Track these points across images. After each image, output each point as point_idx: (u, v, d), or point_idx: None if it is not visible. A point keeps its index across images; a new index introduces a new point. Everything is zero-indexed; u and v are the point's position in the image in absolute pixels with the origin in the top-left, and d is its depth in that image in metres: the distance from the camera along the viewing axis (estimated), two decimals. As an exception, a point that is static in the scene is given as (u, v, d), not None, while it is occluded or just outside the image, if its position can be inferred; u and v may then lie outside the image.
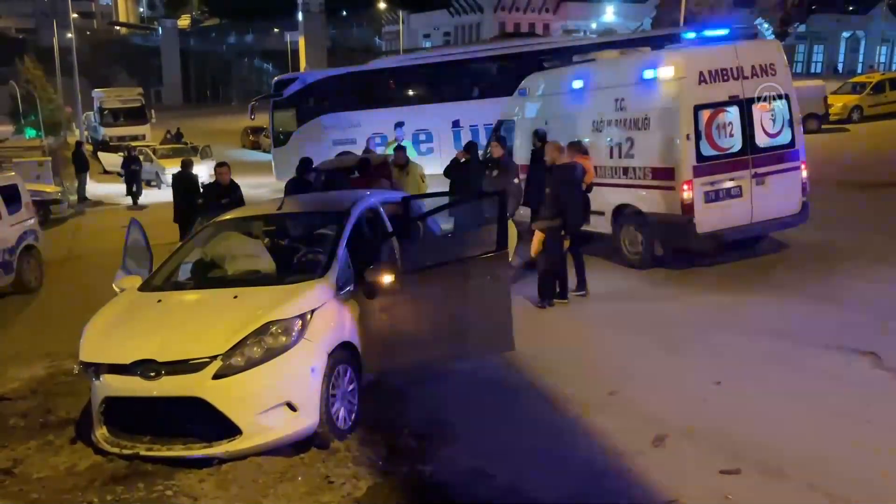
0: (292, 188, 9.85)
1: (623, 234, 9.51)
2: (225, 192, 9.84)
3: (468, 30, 59.25)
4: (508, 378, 5.97)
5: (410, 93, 20.20)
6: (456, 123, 18.95)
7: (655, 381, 5.81)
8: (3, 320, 9.25)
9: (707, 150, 8.61)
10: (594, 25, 58.29)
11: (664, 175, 8.77)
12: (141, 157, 23.64)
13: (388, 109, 18.42)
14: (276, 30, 75.41)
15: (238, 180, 10.42)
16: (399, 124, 15.57)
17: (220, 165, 10.38)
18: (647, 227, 9.13)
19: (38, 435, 5.27)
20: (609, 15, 57.05)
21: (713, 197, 8.67)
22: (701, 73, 8.56)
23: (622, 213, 9.45)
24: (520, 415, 5.34)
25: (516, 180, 9.60)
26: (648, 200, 9.02)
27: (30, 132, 37.19)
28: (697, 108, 8.53)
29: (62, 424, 5.44)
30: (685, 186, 8.52)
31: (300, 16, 65.73)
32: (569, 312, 7.86)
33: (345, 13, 79.68)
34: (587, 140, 9.63)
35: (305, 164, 10.25)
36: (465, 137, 17.63)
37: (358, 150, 18.06)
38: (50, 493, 4.30)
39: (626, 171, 9.31)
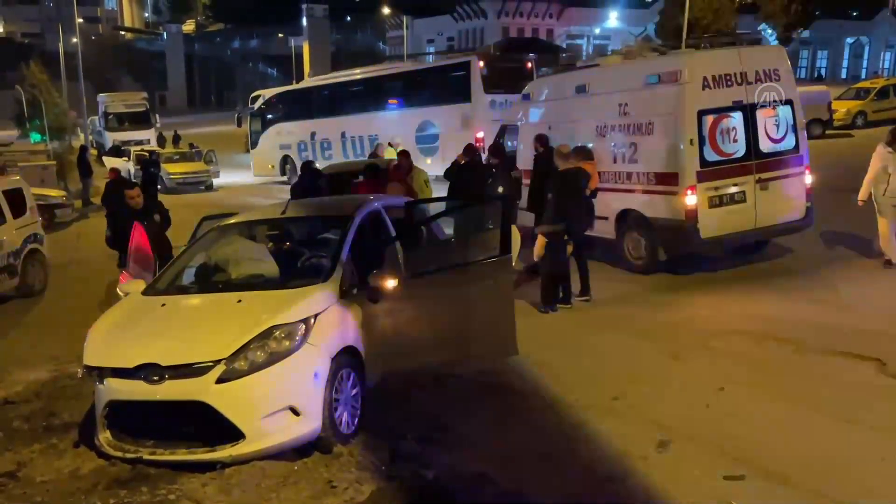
0: (298, 191, 9.85)
1: (627, 240, 9.50)
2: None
3: (472, 35, 59.36)
4: (512, 383, 5.97)
5: (319, 108, 23.97)
6: (343, 135, 22.60)
7: (659, 386, 5.80)
8: (8, 324, 9.27)
9: (711, 156, 8.60)
10: (597, 31, 58.37)
11: (668, 180, 8.76)
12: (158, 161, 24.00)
13: (307, 121, 23.73)
14: (280, 35, 75.62)
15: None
16: (313, 134, 20.84)
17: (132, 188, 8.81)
18: (651, 232, 9.13)
19: (42, 438, 5.26)
20: (612, 20, 57.11)
21: (717, 202, 8.66)
22: (705, 79, 8.56)
23: (626, 218, 9.44)
24: (523, 420, 5.33)
25: (501, 189, 9.61)
26: (652, 205, 9.01)
27: (35, 136, 37.23)
28: (701, 114, 8.52)
29: (66, 428, 5.43)
30: (689, 192, 8.51)
31: (304, 21, 65.94)
32: (572, 317, 7.86)
33: (349, 18, 79.92)
34: (590, 145, 9.63)
35: (307, 166, 10.25)
36: (350, 147, 22.31)
37: (291, 153, 24.02)
38: (53, 497, 4.29)
39: (629, 176, 9.31)
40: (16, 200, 10.67)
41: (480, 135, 17.61)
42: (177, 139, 39.98)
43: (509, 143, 12.41)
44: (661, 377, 6.00)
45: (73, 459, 4.88)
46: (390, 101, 21.36)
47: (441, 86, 19.75)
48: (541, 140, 9.85)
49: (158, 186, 20.13)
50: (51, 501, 4.23)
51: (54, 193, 18.96)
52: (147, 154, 24.84)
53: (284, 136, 24.72)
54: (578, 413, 5.34)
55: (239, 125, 27.97)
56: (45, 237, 11.50)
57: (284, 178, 24.19)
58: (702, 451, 4.66)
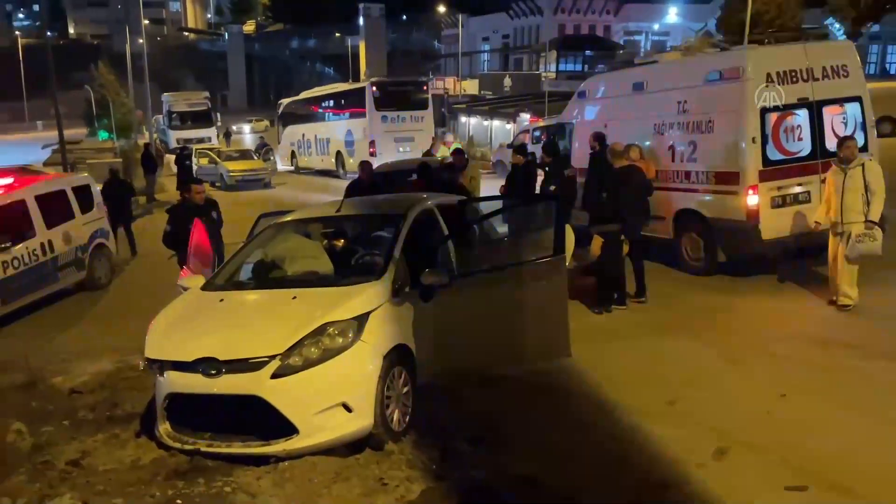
0: (353, 189, 9.91)
1: (684, 240, 9.30)
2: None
3: (527, 32, 58.96)
4: (564, 384, 5.89)
5: (303, 116, 30.64)
6: (315, 137, 29.02)
7: (717, 391, 5.66)
8: (75, 316, 9.63)
9: (774, 155, 8.35)
10: (656, 27, 57.25)
11: (728, 179, 8.53)
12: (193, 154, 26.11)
13: (299, 125, 30.58)
14: (337, 34, 76.57)
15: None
16: (303, 135, 29.62)
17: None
18: (710, 232, 8.90)
19: (105, 428, 5.43)
20: (672, 16, 55.89)
21: (780, 202, 8.40)
22: (769, 75, 8.31)
23: (683, 219, 9.23)
24: (575, 422, 5.25)
25: (554, 188, 9.53)
26: (711, 205, 8.79)
27: (102, 135, 38.64)
28: (764, 111, 8.28)
29: (128, 418, 5.60)
30: (750, 191, 8.28)
31: (361, 20, 66.57)
32: (627, 319, 7.73)
33: (405, 17, 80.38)
34: (647, 143, 9.46)
35: (363, 166, 10.34)
36: (317, 146, 28.79)
37: (294, 149, 31.04)
38: (115, 486, 4.42)
39: (688, 175, 9.11)
40: (84, 197, 11.08)
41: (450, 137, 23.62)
42: (228, 136, 41.03)
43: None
44: (719, 382, 5.85)
45: (134, 449, 5.03)
46: (331, 112, 28.20)
47: (354, 104, 25.81)
48: (597, 138, 9.71)
49: (206, 183, 21.30)
50: (112, 491, 4.35)
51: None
52: (181, 149, 27.35)
53: (290, 136, 31.56)
54: (632, 417, 5.23)
55: (272, 125, 34.52)
56: (111, 232, 11.90)
57: (292, 168, 31.13)
58: (762, 459, 4.51)
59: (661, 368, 6.24)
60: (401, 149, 23.30)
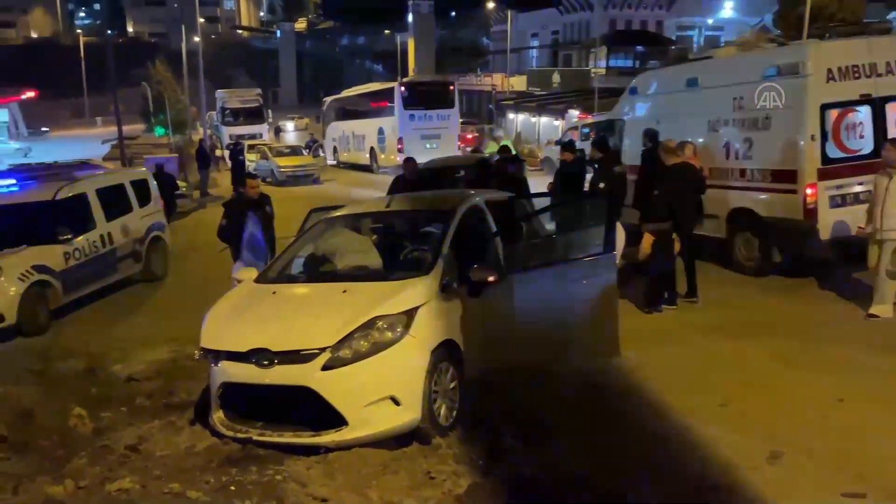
0: (399, 185, 9.98)
1: (738, 239, 9.10)
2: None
3: (577, 27, 58.30)
4: (612, 384, 5.82)
5: (342, 114, 32.51)
6: (353, 133, 30.34)
7: (771, 394, 5.52)
8: (132, 306, 9.93)
9: (834, 152, 8.12)
10: (710, 21, 55.99)
11: (786, 178, 8.32)
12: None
13: (339, 122, 32.38)
14: (387, 31, 77.06)
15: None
16: (343, 131, 31.16)
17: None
18: (765, 232, 8.70)
19: (162, 415, 5.61)
20: (727, 10, 54.58)
21: (839, 202, 8.16)
22: (830, 70, 8.07)
23: (738, 217, 9.03)
24: (624, 421, 5.19)
25: (604, 185, 9.39)
26: (767, 204, 8.59)
27: (159, 131, 39.62)
28: (824, 107, 8.05)
29: (183, 406, 5.77)
30: (809, 190, 8.06)
31: (410, 17, 66.85)
32: (677, 319, 7.60)
33: (454, 14, 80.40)
34: (701, 140, 9.28)
35: (407, 163, 10.40)
36: (353, 142, 30.18)
37: (335, 144, 32.78)
38: (171, 472, 4.54)
39: (743, 173, 8.91)
40: (142, 190, 11.41)
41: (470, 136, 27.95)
42: (278, 132, 41.68)
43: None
44: (773, 385, 5.71)
45: (189, 436, 5.17)
46: (366, 110, 29.68)
47: (385, 103, 27.24)
48: (649, 135, 9.57)
49: (259, 179, 21.73)
50: (169, 476, 4.47)
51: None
52: (235, 142, 28.84)
53: (332, 132, 33.29)
54: (682, 418, 5.14)
55: (318, 122, 36.63)
56: (167, 225, 12.22)
57: (334, 162, 32.41)
58: (818, 465, 4.39)
59: (713, 370, 6.12)
60: (427, 145, 24.35)
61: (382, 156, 26.96)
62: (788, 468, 4.39)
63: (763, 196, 8.66)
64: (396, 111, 25.91)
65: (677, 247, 7.88)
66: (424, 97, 26.35)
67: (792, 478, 4.29)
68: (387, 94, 27.28)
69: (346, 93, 33.51)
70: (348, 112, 31.53)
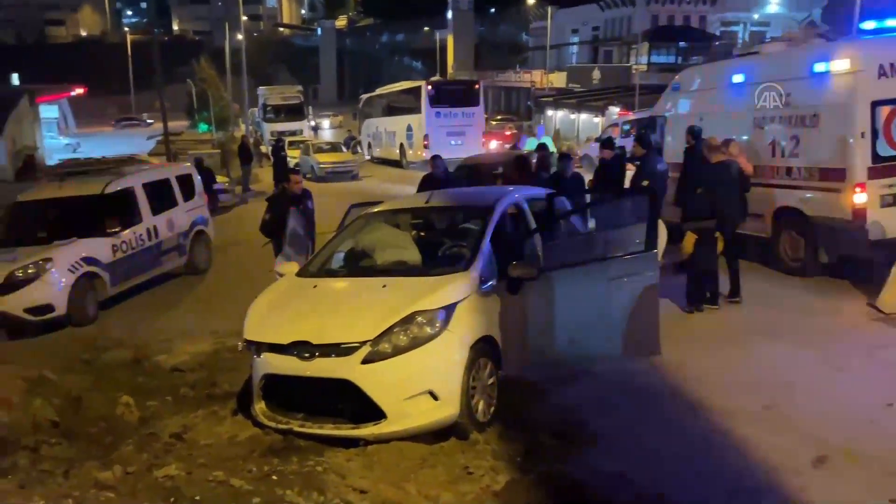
0: (428, 183, 9.92)
1: (783, 239, 8.92)
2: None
3: (618, 23, 57.63)
4: (653, 383, 5.76)
5: (376, 110, 33.48)
6: (385, 129, 31.28)
7: (816, 396, 5.40)
8: (176, 299, 10.14)
9: (885, 150, 7.90)
10: (756, 16, 54.81)
11: (834, 176, 8.12)
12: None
13: (372, 119, 33.40)
14: (426, 28, 77.23)
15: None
16: (376, 127, 32.20)
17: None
18: (811, 231, 8.50)
19: (205, 405, 5.72)
20: (773, 5, 53.39)
21: (890, 202, 7.94)
22: (881, 66, 7.85)
23: (783, 216, 8.85)
24: (664, 421, 5.13)
25: (646, 182, 9.27)
26: (814, 203, 8.40)
27: (202, 127, 40.39)
28: (875, 104, 7.84)
29: (225, 397, 5.88)
30: (857, 189, 7.86)
31: (449, 14, 66.85)
32: (719, 319, 7.48)
33: (493, 10, 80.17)
34: (745, 138, 9.11)
35: (435, 160, 10.38)
36: (386, 138, 30.96)
37: (370, 140, 33.73)
38: (214, 460, 4.64)
39: (789, 171, 8.73)
40: (186, 185, 11.63)
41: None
42: (316, 129, 42.15)
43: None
44: (818, 387, 5.58)
45: (231, 426, 5.27)
46: (396, 107, 30.46)
47: (413, 101, 28.25)
48: (692, 132, 9.41)
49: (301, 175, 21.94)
50: (212, 464, 4.56)
51: (218, 179, 20.46)
52: (277, 140, 28.63)
53: (367, 128, 34.43)
54: (724, 419, 5.07)
55: (354, 118, 38.49)
56: (210, 220, 12.43)
57: (369, 158, 33.14)
58: (865, 470, 4.29)
59: (757, 371, 6.02)
60: (452, 142, 25.48)
61: (410, 151, 27.91)
62: (834, 473, 4.30)
63: (810, 195, 8.47)
64: (423, 109, 27.03)
65: (720, 246, 7.75)
66: (450, 96, 27.76)
67: (837, 482, 4.20)
68: (415, 93, 28.42)
69: (380, 90, 34.56)
70: (382, 109, 32.55)
